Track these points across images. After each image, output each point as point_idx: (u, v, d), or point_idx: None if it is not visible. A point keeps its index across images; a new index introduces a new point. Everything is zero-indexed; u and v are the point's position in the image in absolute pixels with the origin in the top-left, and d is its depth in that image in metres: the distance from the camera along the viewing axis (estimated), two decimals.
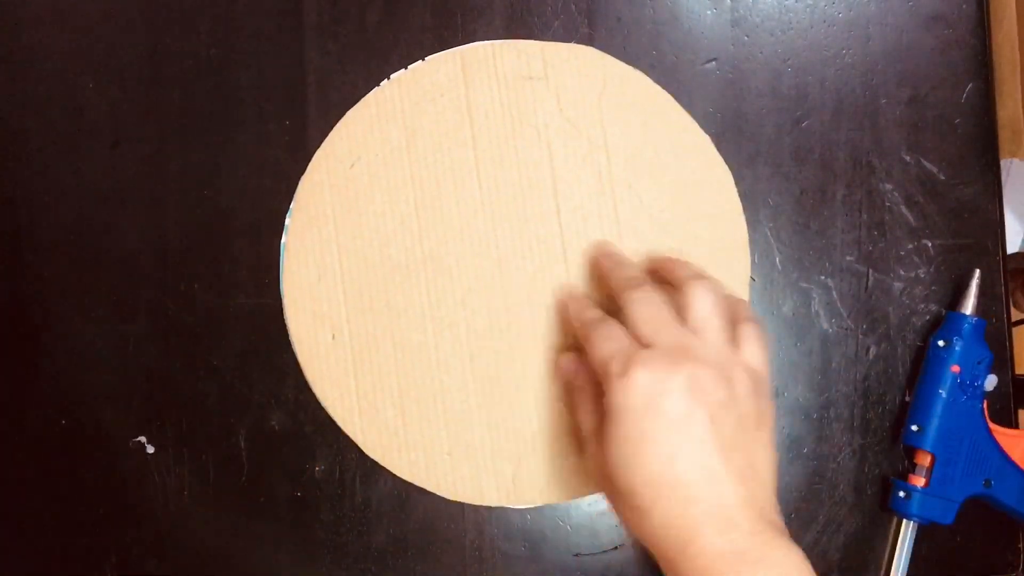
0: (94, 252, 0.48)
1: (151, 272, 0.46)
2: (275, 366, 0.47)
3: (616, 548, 0.47)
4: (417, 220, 0.47)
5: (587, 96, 0.48)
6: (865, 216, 0.49)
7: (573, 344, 0.46)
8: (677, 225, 0.47)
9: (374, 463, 0.47)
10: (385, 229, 0.47)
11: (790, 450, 0.48)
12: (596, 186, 0.47)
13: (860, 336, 0.48)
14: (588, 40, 0.49)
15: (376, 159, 0.48)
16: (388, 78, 0.48)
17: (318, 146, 0.48)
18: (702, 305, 0.39)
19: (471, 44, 0.48)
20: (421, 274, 0.47)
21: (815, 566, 0.47)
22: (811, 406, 0.48)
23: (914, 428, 0.46)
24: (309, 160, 0.48)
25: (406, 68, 0.48)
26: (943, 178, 0.49)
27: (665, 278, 0.43)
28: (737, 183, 0.48)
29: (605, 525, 0.47)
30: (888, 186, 0.49)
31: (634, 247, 0.47)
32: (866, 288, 0.48)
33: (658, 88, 0.48)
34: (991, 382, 0.47)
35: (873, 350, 0.48)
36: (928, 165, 0.49)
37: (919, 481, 0.46)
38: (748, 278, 0.48)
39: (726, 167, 0.48)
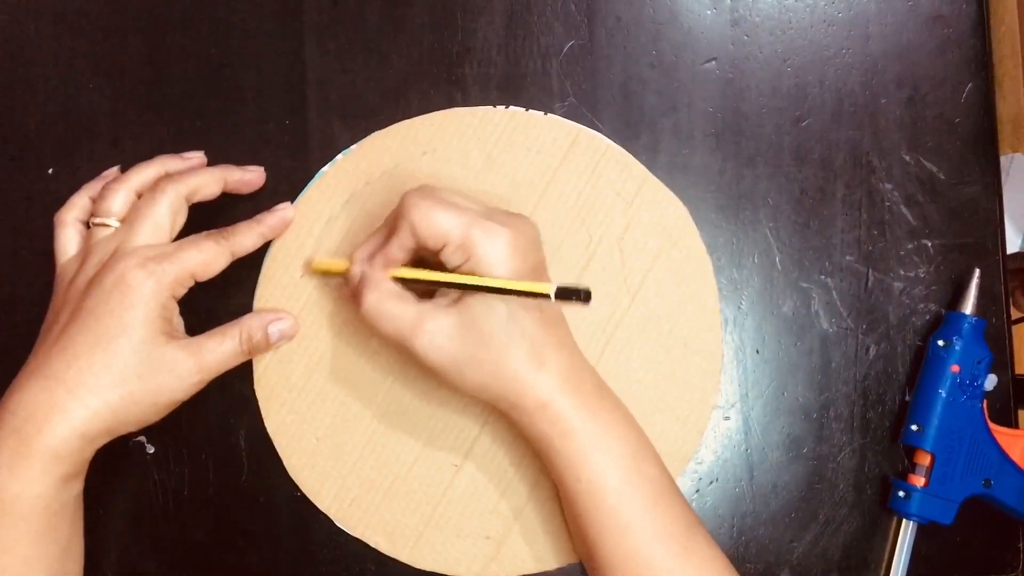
0: None
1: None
2: None
3: None
4: None
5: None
6: (865, 216, 0.49)
7: None
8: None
9: None
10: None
11: (790, 450, 0.48)
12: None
13: (860, 336, 0.48)
14: (588, 39, 0.49)
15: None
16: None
17: (318, 146, 0.48)
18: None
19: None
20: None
21: (815, 566, 0.47)
22: (811, 406, 0.48)
23: (914, 428, 0.46)
24: (309, 160, 0.48)
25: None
26: (943, 178, 0.49)
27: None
28: (737, 183, 0.48)
29: None
30: (888, 186, 0.49)
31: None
32: (866, 288, 0.48)
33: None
34: (991, 382, 0.47)
35: (873, 350, 0.48)
36: (928, 165, 0.49)
37: (919, 481, 0.46)
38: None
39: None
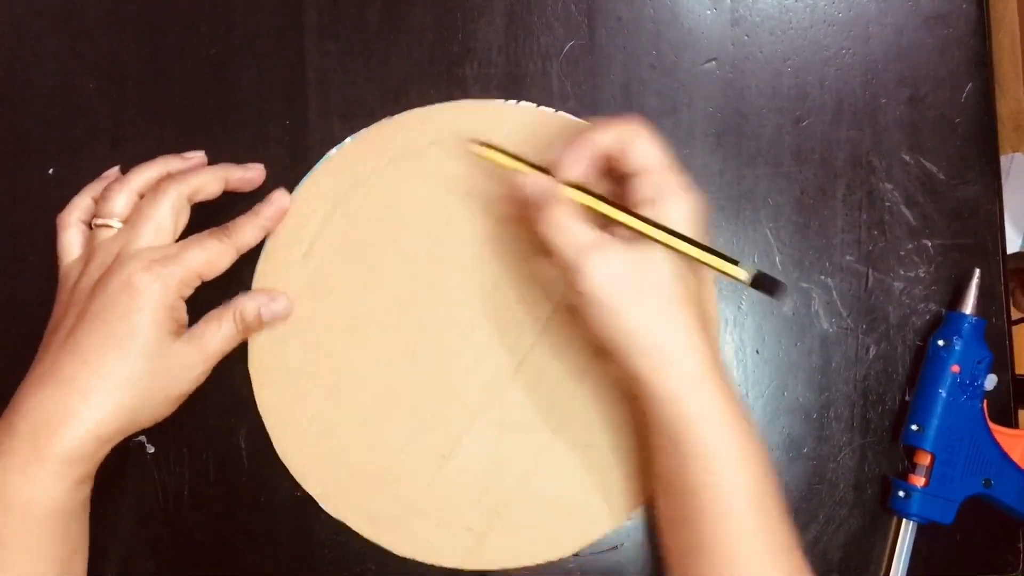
0: None
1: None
2: None
3: (615, 548, 0.47)
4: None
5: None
6: (865, 216, 0.49)
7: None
8: None
9: None
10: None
11: (790, 450, 0.48)
12: None
13: (860, 336, 0.48)
14: (588, 39, 0.49)
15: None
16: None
17: (318, 146, 0.48)
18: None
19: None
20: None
21: (815, 566, 0.47)
22: (811, 406, 0.48)
23: (914, 428, 0.46)
24: (309, 160, 0.48)
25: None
26: (943, 178, 0.49)
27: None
28: (737, 183, 0.48)
29: None
30: (888, 186, 0.49)
31: None
32: (866, 288, 0.48)
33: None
34: (991, 382, 0.47)
35: (873, 350, 0.48)
36: (928, 165, 0.49)
37: (919, 481, 0.46)
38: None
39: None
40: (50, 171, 0.49)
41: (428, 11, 0.49)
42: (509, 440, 0.46)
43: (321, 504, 0.47)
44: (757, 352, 0.48)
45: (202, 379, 0.43)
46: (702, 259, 0.38)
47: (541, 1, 0.49)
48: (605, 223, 0.40)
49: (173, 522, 0.47)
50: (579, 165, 0.40)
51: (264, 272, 0.47)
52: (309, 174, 0.48)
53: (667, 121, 0.49)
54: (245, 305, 0.44)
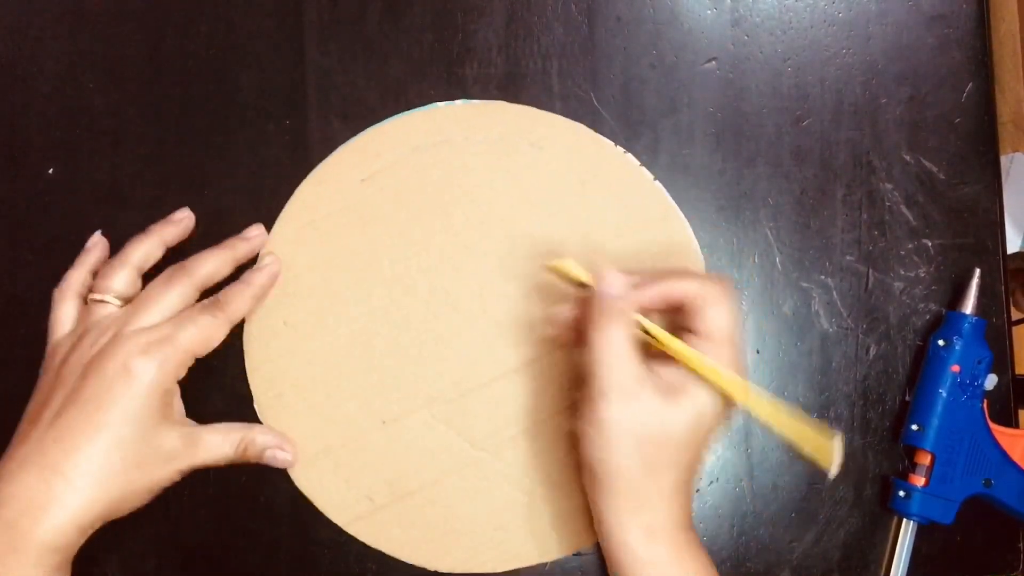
0: None
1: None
2: None
3: None
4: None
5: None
6: (865, 215, 0.49)
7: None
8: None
9: None
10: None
11: (790, 450, 0.48)
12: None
13: (860, 336, 0.48)
14: (588, 39, 0.49)
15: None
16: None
17: (318, 146, 0.48)
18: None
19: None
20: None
21: (815, 566, 0.48)
22: (811, 406, 0.48)
23: (914, 427, 0.46)
24: (309, 160, 0.48)
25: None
26: (943, 177, 0.49)
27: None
28: (737, 183, 0.48)
29: None
30: (888, 185, 0.49)
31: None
32: (866, 288, 0.48)
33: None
34: (991, 381, 0.47)
35: (873, 350, 0.48)
36: (928, 164, 0.49)
37: (919, 481, 0.46)
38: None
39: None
40: (50, 171, 0.49)
41: (428, 11, 0.49)
42: (444, 442, 0.46)
43: (256, 403, 0.46)
44: (757, 352, 0.48)
45: (181, 477, 0.41)
46: (786, 432, 0.39)
47: (541, 1, 0.49)
48: (648, 354, 0.40)
49: (173, 522, 0.47)
50: (655, 300, 0.40)
51: (315, 191, 0.47)
52: (407, 113, 0.48)
53: (667, 121, 0.49)
54: (255, 439, 0.43)
